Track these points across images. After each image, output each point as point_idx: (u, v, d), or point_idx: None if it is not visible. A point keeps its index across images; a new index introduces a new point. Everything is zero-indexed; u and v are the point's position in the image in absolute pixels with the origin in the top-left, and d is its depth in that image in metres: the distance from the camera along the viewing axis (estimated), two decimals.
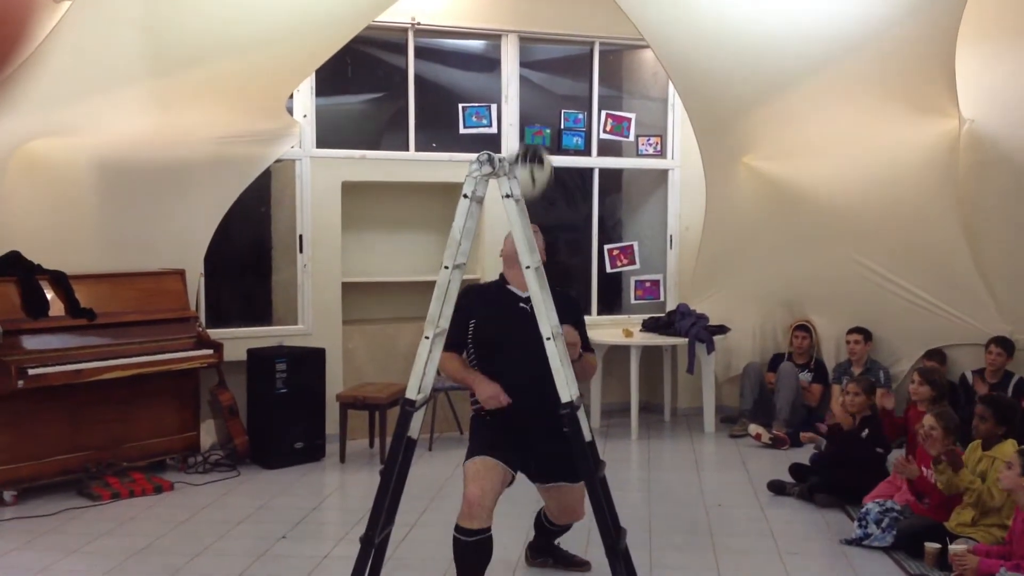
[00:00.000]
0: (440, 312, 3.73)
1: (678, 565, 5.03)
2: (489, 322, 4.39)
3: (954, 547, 4.75)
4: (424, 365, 3.76)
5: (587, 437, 3.74)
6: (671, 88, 8.52)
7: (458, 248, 3.68)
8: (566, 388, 3.65)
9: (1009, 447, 5.18)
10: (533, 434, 4.30)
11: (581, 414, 3.71)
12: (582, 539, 5.22)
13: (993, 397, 5.72)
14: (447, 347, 4.05)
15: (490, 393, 4.26)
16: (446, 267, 3.70)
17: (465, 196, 3.68)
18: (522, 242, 3.67)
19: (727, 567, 4.98)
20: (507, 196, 3.68)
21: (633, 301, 8.96)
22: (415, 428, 3.86)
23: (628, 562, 3.89)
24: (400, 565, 4.87)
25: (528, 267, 3.66)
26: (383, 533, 3.84)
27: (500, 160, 3.65)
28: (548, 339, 3.66)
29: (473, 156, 3.69)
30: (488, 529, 4.12)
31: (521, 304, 4.31)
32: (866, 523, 5.34)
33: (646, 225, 9.25)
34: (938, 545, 4.91)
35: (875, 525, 5.30)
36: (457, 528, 4.12)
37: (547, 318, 3.66)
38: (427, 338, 3.73)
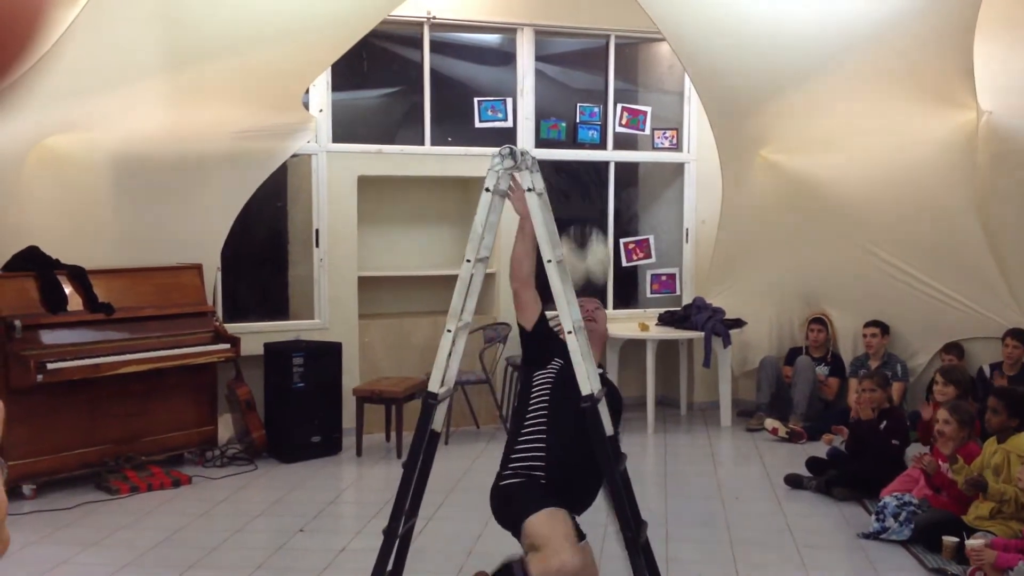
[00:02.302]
0: (463, 305, 3.73)
1: (695, 559, 5.03)
2: (571, 373, 3.79)
3: (971, 541, 4.73)
4: (447, 358, 3.75)
5: (608, 431, 3.73)
6: (687, 81, 8.51)
7: (480, 242, 3.68)
8: (587, 382, 3.65)
9: (1023, 440, 5.16)
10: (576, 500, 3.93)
11: (602, 407, 3.71)
12: (599, 532, 5.22)
13: (1005, 389, 5.71)
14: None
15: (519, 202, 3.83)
16: (468, 260, 3.69)
17: (487, 190, 3.68)
18: (543, 236, 3.66)
19: (744, 561, 4.98)
20: (529, 190, 3.68)
21: (649, 295, 8.95)
22: (438, 421, 3.86)
23: (649, 555, 3.88)
24: (418, 557, 4.86)
25: (550, 261, 3.65)
26: (407, 525, 3.84)
27: (522, 154, 3.65)
28: (569, 332, 3.65)
29: (488, 150, 3.68)
30: None
31: (601, 374, 4.05)
32: (884, 517, 5.32)
33: (662, 219, 9.23)
34: (956, 539, 4.89)
35: (893, 519, 5.28)
36: None
37: (569, 313, 3.65)
38: (449, 331, 3.73)
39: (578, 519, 3.86)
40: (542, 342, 4.01)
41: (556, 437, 3.81)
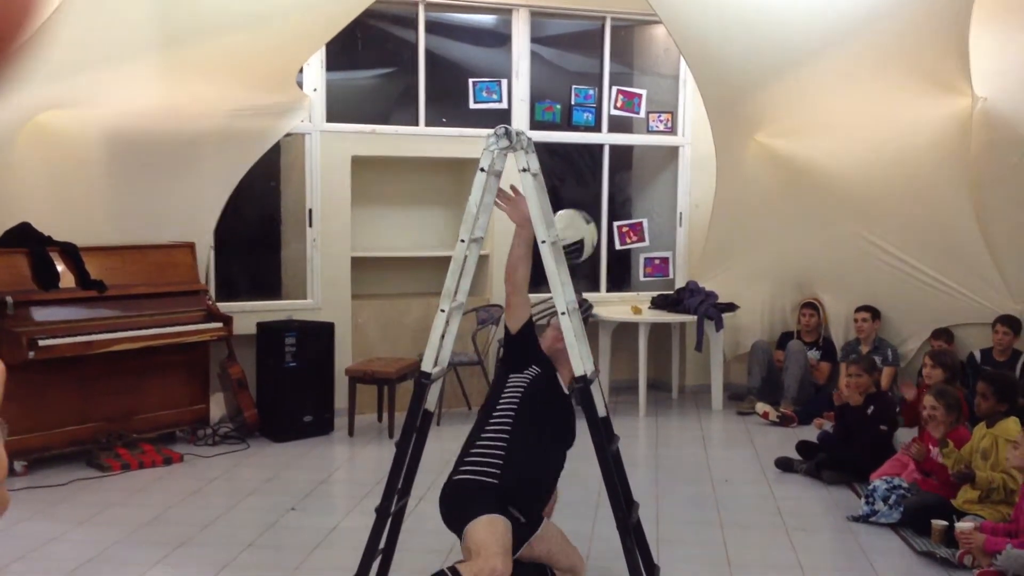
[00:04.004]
0: (456, 285, 3.73)
1: (685, 540, 5.05)
2: (544, 390, 3.97)
3: (961, 524, 4.77)
4: (440, 338, 3.75)
5: (601, 412, 3.75)
6: (682, 64, 8.49)
7: (475, 222, 3.68)
8: (580, 363, 3.66)
9: (1012, 424, 5.20)
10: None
11: (595, 388, 3.72)
12: (590, 514, 5.25)
13: (993, 374, 5.74)
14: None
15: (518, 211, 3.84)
16: (462, 240, 3.69)
17: (482, 170, 3.67)
18: (537, 217, 3.66)
19: (734, 543, 5.01)
20: (524, 170, 3.68)
21: (642, 278, 8.96)
22: (431, 400, 3.87)
23: (640, 535, 3.90)
24: (409, 536, 4.87)
25: (544, 241, 3.65)
26: (399, 504, 3.86)
27: (517, 134, 3.64)
28: (563, 314, 3.65)
29: (483, 131, 3.67)
30: None
31: (565, 395, 4.10)
32: (873, 500, 5.36)
33: (656, 202, 9.23)
34: (945, 522, 4.92)
35: (882, 502, 5.32)
36: None
37: (563, 294, 3.66)
38: (443, 311, 3.73)
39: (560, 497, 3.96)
40: (524, 347, 3.99)
41: (516, 445, 3.80)
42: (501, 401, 3.92)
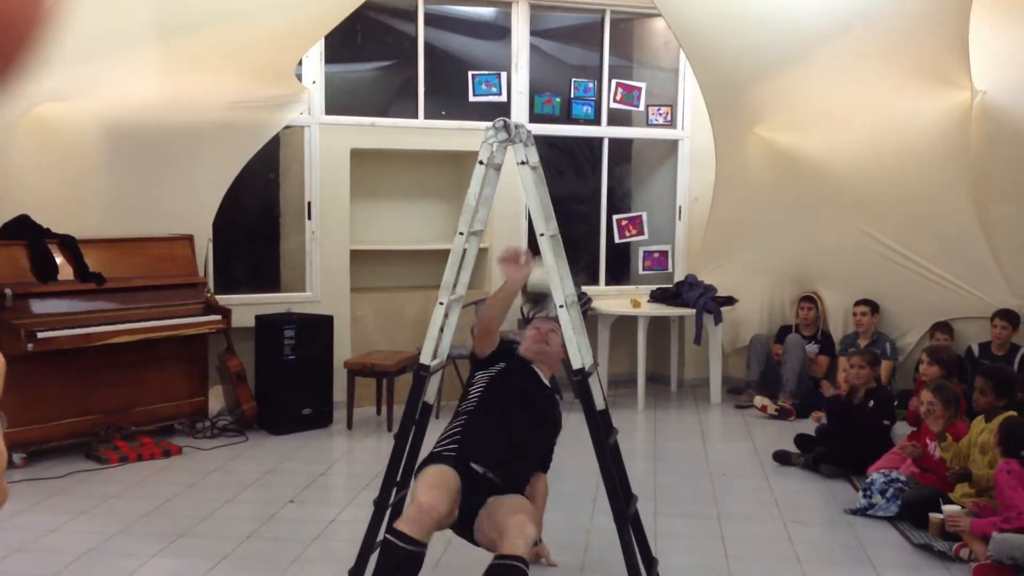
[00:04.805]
0: (455, 278, 3.73)
1: (683, 533, 5.06)
2: (513, 375, 4.14)
3: (948, 508, 4.78)
4: (439, 331, 3.76)
5: (599, 406, 3.75)
6: (682, 58, 8.47)
7: (474, 215, 3.68)
8: (578, 355, 3.66)
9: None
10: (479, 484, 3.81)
11: (593, 381, 3.72)
12: (588, 507, 5.26)
13: (991, 369, 5.73)
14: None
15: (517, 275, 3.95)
16: (461, 233, 3.69)
17: (481, 163, 3.67)
18: (537, 210, 3.66)
19: (732, 536, 5.01)
20: (522, 163, 3.67)
21: (641, 272, 8.96)
22: (430, 393, 3.87)
23: (638, 528, 3.91)
24: None
25: (543, 234, 3.65)
26: (397, 496, 3.86)
27: (516, 127, 3.64)
28: (561, 307, 3.66)
29: (482, 124, 3.68)
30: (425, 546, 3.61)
31: (545, 385, 4.22)
32: (871, 493, 5.36)
33: (655, 196, 9.23)
34: (942, 516, 4.93)
35: (880, 495, 5.32)
36: (392, 531, 3.59)
37: (561, 288, 3.66)
38: (441, 304, 3.74)
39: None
40: (493, 355, 4.16)
41: (475, 428, 3.88)
42: (468, 395, 4.07)
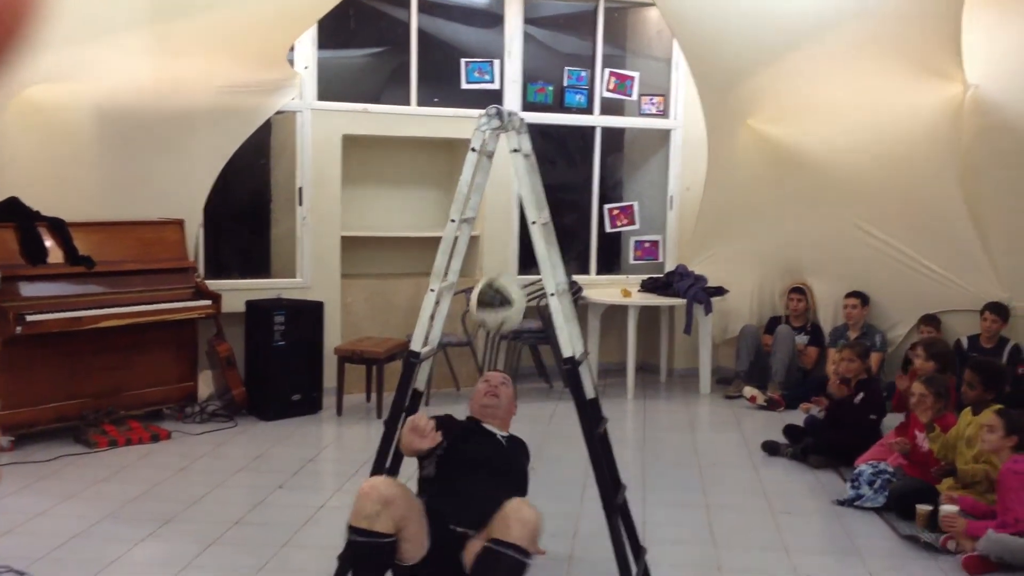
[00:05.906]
0: (447, 266, 3.73)
1: (671, 522, 5.07)
2: (460, 443, 3.96)
3: (945, 507, 4.80)
4: (430, 318, 3.76)
5: (589, 394, 3.75)
6: (675, 48, 8.47)
7: (466, 202, 3.68)
8: (569, 344, 3.66)
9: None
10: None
11: (583, 370, 3.72)
12: (577, 495, 5.27)
13: (980, 362, 5.74)
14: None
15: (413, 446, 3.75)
16: (453, 220, 3.69)
17: (473, 150, 3.66)
18: (528, 198, 3.66)
19: (720, 525, 5.03)
20: (515, 151, 3.67)
21: (632, 261, 8.96)
22: (421, 380, 3.87)
23: (627, 517, 3.92)
24: None
25: (534, 223, 3.65)
26: None
27: (509, 114, 3.63)
28: (552, 295, 3.66)
29: (475, 112, 3.67)
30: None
31: (499, 437, 4.08)
32: (859, 484, 5.38)
33: (647, 185, 9.23)
34: (929, 507, 4.94)
35: (867, 486, 5.34)
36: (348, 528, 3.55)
37: (552, 276, 3.66)
38: (432, 291, 3.73)
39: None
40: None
41: (440, 500, 3.74)
42: (425, 471, 3.95)
